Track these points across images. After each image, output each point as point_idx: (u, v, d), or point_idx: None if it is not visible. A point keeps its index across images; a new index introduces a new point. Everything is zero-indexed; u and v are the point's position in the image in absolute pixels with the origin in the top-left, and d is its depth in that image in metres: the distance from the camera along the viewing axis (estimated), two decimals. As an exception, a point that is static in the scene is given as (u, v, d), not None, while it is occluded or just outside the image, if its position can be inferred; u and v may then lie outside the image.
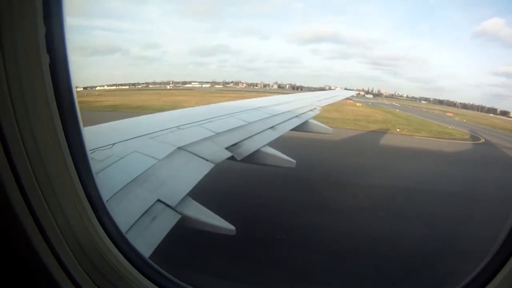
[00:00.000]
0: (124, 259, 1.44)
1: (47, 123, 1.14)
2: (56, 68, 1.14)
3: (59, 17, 1.14)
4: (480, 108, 53.43)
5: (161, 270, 1.58)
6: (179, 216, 3.20)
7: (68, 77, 1.20)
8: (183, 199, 3.42)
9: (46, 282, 1.21)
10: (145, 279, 1.48)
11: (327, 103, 13.31)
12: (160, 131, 4.99)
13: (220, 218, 3.61)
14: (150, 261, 1.60)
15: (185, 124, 5.62)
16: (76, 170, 1.26)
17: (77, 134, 1.28)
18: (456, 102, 56.99)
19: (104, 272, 1.37)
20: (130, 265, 1.45)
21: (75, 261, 1.28)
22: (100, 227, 1.38)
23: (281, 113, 8.67)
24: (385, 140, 24.18)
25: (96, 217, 1.36)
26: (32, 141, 1.11)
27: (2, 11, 0.98)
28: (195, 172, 4.13)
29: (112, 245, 1.41)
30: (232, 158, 5.17)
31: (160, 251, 2.65)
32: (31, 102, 1.09)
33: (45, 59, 1.10)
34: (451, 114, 45.34)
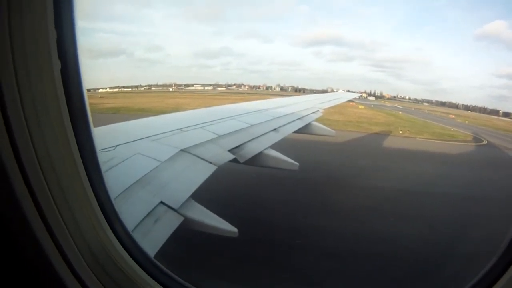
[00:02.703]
0: (132, 261, 1.43)
1: (59, 129, 1.14)
2: (67, 73, 1.13)
3: (70, 22, 1.12)
4: (483, 110, 53.17)
5: (169, 272, 1.57)
6: (181, 218, 3.19)
7: (80, 82, 1.19)
8: (185, 201, 3.42)
9: (53, 283, 1.21)
10: (154, 281, 1.47)
11: (330, 106, 13.31)
12: (162, 133, 4.99)
13: (223, 220, 3.62)
14: (159, 264, 1.59)
15: (188, 127, 5.62)
16: (86, 174, 1.26)
17: (88, 140, 1.27)
18: (458, 104, 56.81)
19: (111, 274, 1.36)
20: (138, 267, 1.44)
21: (83, 262, 1.28)
22: (109, 228, 1.37)
23: (284, 115, 8.67)
24: (388, 142, 24.05)
25: (105, 218, 1.36)
26: (43, 147, 1.11)
27: (12, 16, 0.98)
28: (197, 174, 4.13)
29: (121, 246, 1.40)
30: (234, 160, 5.17)
31: (163, 252, 2.65)
32: (43, 108, 1.09)
33: (57, 64, 1.09)
34: (453, 116, 45.12)
